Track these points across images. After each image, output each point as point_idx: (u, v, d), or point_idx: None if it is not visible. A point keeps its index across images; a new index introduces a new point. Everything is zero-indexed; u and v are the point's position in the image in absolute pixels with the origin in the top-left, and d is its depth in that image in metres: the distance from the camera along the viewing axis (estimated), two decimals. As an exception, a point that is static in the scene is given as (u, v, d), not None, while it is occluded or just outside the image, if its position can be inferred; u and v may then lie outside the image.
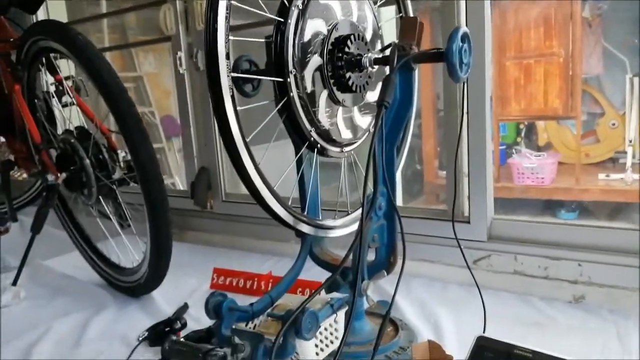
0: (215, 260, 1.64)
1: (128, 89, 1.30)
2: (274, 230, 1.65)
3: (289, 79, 0.84)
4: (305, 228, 0.92)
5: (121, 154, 1.37)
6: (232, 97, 0.77)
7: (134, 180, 1.32)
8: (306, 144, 0.90)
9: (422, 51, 0.84)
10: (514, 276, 1.25)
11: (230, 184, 1.86)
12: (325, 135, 0.92)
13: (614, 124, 3.91)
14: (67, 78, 1.48)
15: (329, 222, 1.00)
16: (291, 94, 0.84)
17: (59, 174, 1.32)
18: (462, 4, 1.27)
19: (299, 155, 0.93)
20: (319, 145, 0.92)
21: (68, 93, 1.41)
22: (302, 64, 0.85)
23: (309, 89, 0.86)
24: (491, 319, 0.99)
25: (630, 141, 3.64)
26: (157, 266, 1.24)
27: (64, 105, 1.50)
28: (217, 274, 1.42)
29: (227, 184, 1.84)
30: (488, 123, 1.22)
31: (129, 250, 1.39)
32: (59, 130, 1.47)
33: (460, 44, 0.81)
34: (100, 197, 1.34)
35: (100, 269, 1.47)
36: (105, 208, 1.38)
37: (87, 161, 1.30)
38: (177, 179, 3.81)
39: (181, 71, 1.78)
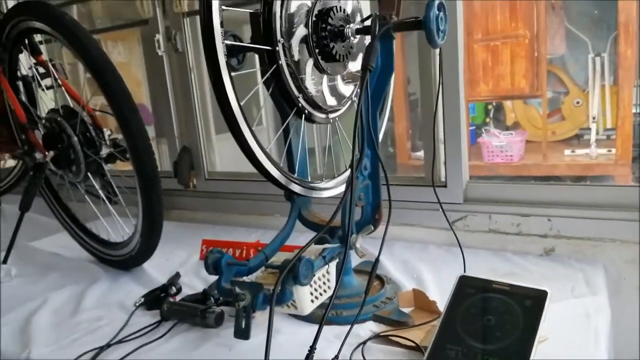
0: (202, 235, 1.68)
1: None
2: (258, 204, 1.71)
3: (277, 48, 0.89)
4: (296, 188, 0.98)
5: (107, 132, 1.40)
6: (228, 63, 0.82)
7: (122, 157, 1.36)
8: (294, 110, 0.96)
9: (402, 20, 0.90)
10: (489, 234, 1.33)
11: (213, 163, 1.90)
12: (312, 102, 0.98)
13: (578, 102, 4.07)
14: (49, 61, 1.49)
15: (318, 184, 1.06)
16: (280, 62, 0.90)
17: (47, 152, 1.34)
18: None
19: (286, 122, 0.99)
20: (306, 111, 0.97)
21: (53, 75, 1.42)
22: (289, 34, 0.90)
23: (296, 57, 0.92)
24: (469, 272, 1.07)
25: (594, 118, 3.80)
26: (149, 236, 1.28)
27: (48, 88, 1.52)
28: (206, 245, 1.47)
29: (209, 163, 1.88)
30: (462, 90, 1.30)
31: (119, 226, 1.42)
32: (42, 113, 1.49)
33: (437, 12, 0.88)
34: (88, 174, 1.37)
35: (90, 246, 1.50)
36: (94, 183, 1.41)
37: (75, 138, 1.32)
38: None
39: (159, 53, 1.80)
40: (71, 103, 1.40)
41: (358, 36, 0.98)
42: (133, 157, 1.18)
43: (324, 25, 0.95)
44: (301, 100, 0.95)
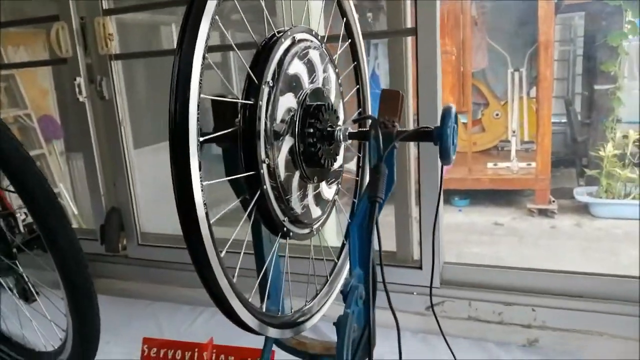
0: (137, 316, 1.46)
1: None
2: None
3: (262, 171, 0.71)
4: (272, 332, 0.80)
5: (20, 217, 1.14)
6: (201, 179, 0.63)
7: (38, 247, 1.11)
8: (279, 235, 0.78)
9: (410, 132, 0.76)
10: (468, 322, 1.24)
11: (147, 223, 1.66)
12: (297, 221, 0.81)
13: (497, 115, 4.19)
14: None
15: (299, 313, 0.89)
16: (264, 187, 0.72)
17: (-60, 252, 1.06)
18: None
19: (274, 249, 0.81)
20: (291, 234, 0.80)
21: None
22: (275, 149, 0.72)
23: (283, 176, 0.74)
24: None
25: (514, 131, 3.92)
26: (84, 356, 1.05)
27: None
28: (148, 346, 1.24)
29: (143, 224, 1.64)
30: (439, 175, 1.18)
31: (38, 333, 1.17)
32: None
33: (454, 124, 0.74)
34: (-4, 274, 1.10)
35: (4, 353, 1.23)
36: (4, 284, 1.14)
37: (-22, 236, 1.05)
38: (61, 186, 3.41)
39: (81, 99, 1.52)
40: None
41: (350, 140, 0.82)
42: (62, 276, 0.94)
43: (311, 130, 0.78)
44: (286, 223, 0.78)
